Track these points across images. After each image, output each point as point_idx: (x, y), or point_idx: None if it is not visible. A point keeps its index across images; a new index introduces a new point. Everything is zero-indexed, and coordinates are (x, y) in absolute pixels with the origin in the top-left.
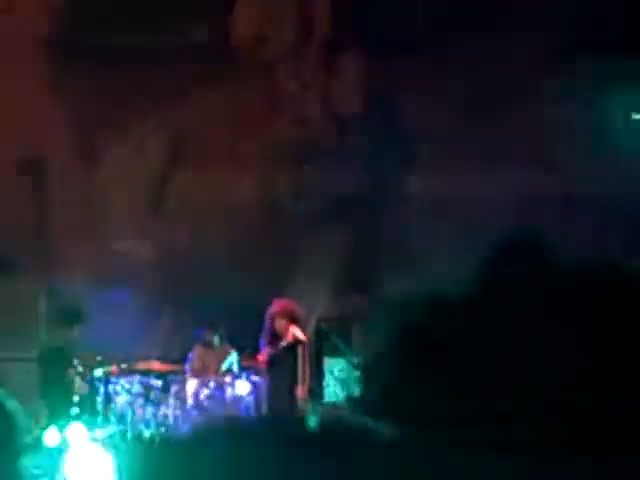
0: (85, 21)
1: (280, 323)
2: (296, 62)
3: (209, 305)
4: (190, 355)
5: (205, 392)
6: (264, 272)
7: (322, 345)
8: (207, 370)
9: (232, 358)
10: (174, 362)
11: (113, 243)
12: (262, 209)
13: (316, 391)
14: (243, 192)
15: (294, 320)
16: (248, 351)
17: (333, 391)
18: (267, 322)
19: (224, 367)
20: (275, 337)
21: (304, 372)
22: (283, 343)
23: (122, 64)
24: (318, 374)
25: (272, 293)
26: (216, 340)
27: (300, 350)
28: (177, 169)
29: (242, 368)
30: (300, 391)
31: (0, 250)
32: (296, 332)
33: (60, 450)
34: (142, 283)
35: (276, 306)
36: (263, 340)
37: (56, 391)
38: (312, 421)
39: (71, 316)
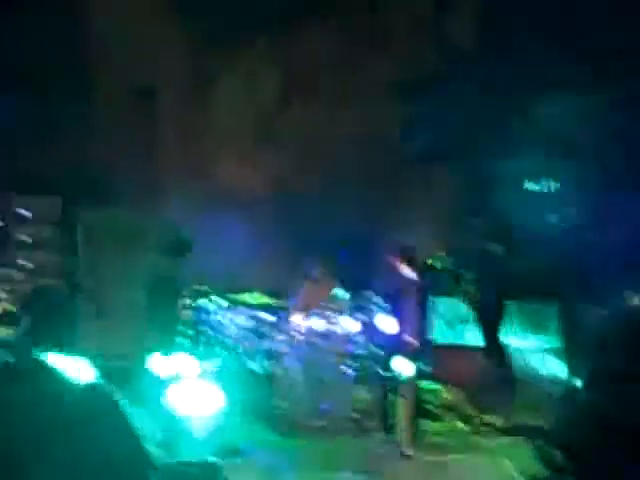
0: None
1: (395, 263)
2: None
3: (317, 239)
4: (299, 290)
5: (314, 328)
6: (373, 207)
7: (432, 283)
8: (316, 306)
9: (342, 294)
10: (281, 296)
11: (221, 174)
12: (372, 144)
13: (424, 330)
14: (353, 127)
15: (409, 260)
16: (358, 289)
17: (439, 330)
18: (384, 261)
19: (333, 303)
20: (390, 276)
21: (413, 312)
22: (396, 282)
23: None
24: (425, 313)
25: (381, 228)
26: (325, 276)
27: (410, 289)
28: (287, 102)
29: (354, 305)
30: (408, 331)
31: (111, 181)
32: (408, 271)
33: (167, 379)
34: (250, 215)
35: (392, 246)
36: (377, 278)
37: (165, 321)
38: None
39: (180, 246)
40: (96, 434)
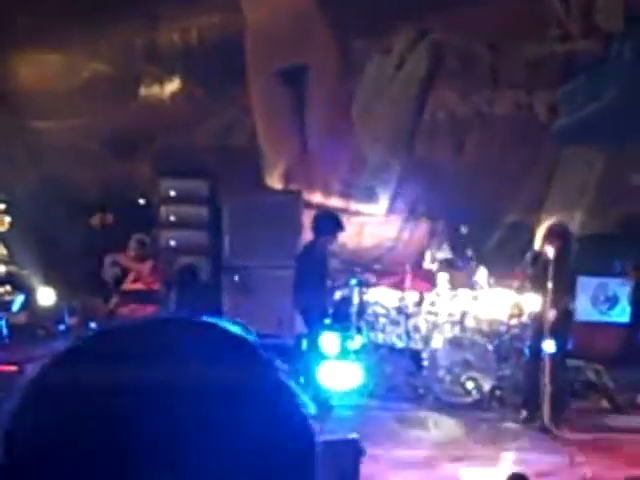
0: None
1: (546, 244)
2: None
3: (462, 217)
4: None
5: (457, 307)
6: (519, 186)
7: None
8: (458, 285)
9: (480, 275)
10: (424, 278)
11: (367, 153)
12: (519, 124)
13: (568, 310)
14: (500, 107)
15: (560, 237)
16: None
17: (586, 310)
18: (536, 242)
19: (471, 284)
20: (538, 256)
21: (556, 291)
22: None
23: None
24: (570, 292)
25: (526, 208)
26: (463, 254)
27: (552, 269)
28: (436, 83)
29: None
30: (550, 312)
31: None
32: (550, 252)
33: (314, 356)
34: (396, 194)
35: (546, 226)
36: (525, 259)
37: (311, 300)
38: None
39: (331, 225)
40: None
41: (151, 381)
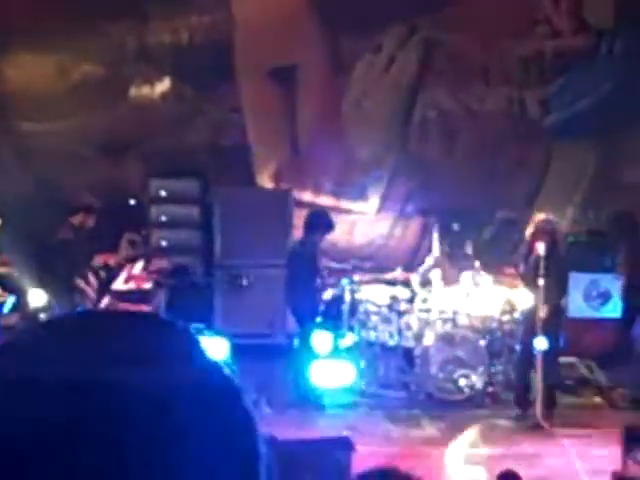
0: None
1: (536, 240)
2: None
3: (454, 214)
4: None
5: (448, 303)
6: (511, 182)
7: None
8: (449, 282)
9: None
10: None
11: (358, 152)
12: (510, 121)
13: (560, 306)
14: (491, 104)
15: (550, 234)
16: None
17: (578, 307)
18: (526, 238)
19: (470, 279)
20: (528, 251)
21: (548, 288)
22: (531, 259)
23: None
24: (563, 288)
25: (518, 204)
26: (455, 251)
27: (543, 266)
28: (426, 81)
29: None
30: (542, 309)
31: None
32: (540, 248)
33: (306, 355)
34: (387, 192)
35: (535, 223)
36: (518, 256)
37: (303, 298)
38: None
39: (321, 223)
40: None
41: (88, 378)
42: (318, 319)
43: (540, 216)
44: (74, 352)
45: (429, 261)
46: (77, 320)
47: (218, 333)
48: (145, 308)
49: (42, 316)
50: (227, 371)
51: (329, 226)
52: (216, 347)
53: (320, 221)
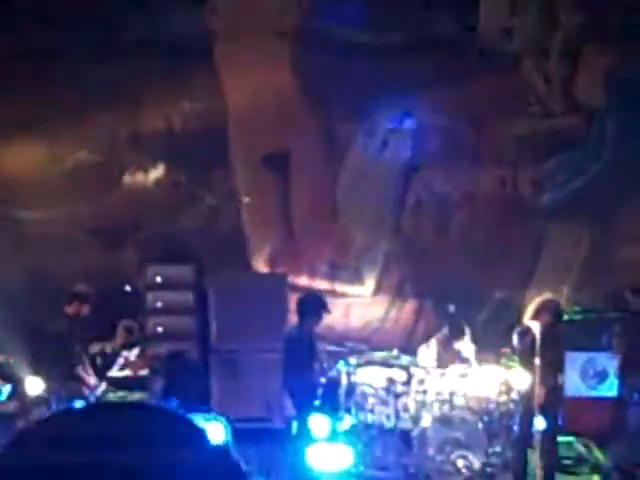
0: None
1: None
2: (540, 56)
3: (449, 296)
4: (428, 348)
5: (446, 385)
6: (506, 263)
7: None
8: (445, 364)
9: (470, 350)
10: (414, 354)
11: (353, 235)
12: (504, 201)
13: (557, 386)
14: (485, 185)
15: (552, 314)
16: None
17: (575, 385)
18: (526, 317)
19: (466, 361)
20: (526, 332)
21: (544, 368)
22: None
23: (359, 58)
24: (560, 368)
25: (513, 284)
26: (453, 333)
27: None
28: (419, 162)
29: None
30: (539, 389)
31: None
32: (535, 328)
33: (304, 439)
34: (382, 275)
35: (539, 302)
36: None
37: (300, 382)
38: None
39: (317, 306)
40: None
41: (99, 462)
42: (316, 402)
43: (539, 295)
44: (86, 440)
45: (425, 343)
46: (86, 411)
47: (219, 417)
48: (140, 395)
49: (39, 404)
50: (233, 455)
51: (322, 310)
52: (218, 431)
53: (313, 305)
